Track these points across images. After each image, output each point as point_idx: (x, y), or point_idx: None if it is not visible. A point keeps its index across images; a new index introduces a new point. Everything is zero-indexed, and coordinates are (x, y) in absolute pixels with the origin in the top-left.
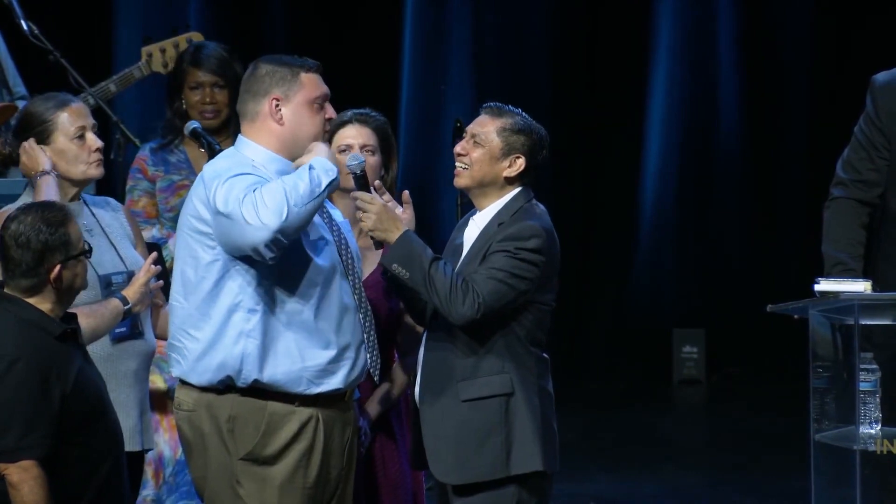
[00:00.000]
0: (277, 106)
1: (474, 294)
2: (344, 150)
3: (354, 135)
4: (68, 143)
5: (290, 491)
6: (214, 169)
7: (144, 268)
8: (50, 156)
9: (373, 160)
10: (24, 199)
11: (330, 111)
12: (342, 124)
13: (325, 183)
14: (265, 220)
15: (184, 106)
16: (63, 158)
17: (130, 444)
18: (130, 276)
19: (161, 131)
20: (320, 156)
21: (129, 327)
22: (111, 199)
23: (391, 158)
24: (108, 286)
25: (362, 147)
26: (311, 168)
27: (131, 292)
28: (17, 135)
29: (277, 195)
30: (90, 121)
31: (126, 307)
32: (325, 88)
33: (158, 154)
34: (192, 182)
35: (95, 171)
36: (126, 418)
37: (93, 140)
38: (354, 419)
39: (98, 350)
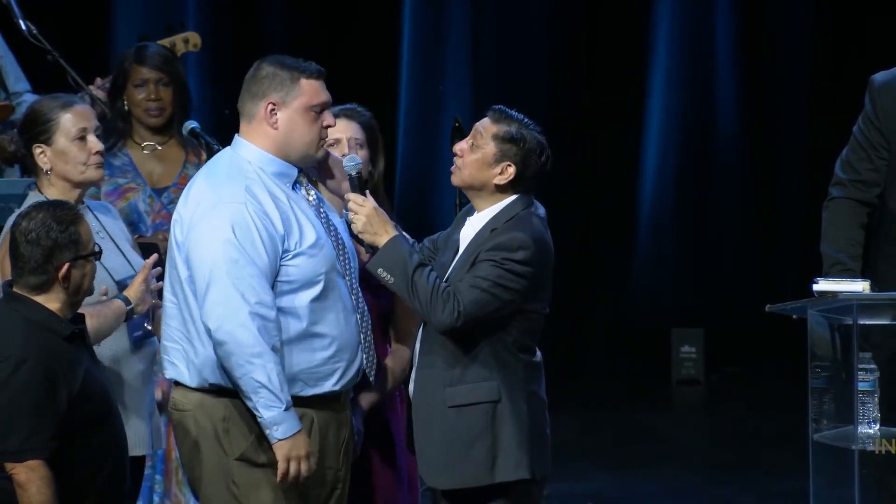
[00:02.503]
0: (273, 110)
1: (455, 302)
2: (332, 145)
3: (342, 129)
4: (69, 144)
5: (285, 492)
6: (210, 187)
7: (144, 267)
8: (50, 156)
9: (361, 154)
10: (31, 199)
11: (328, 119)
12: None
13: (258, 397)
14: (212, 324)
15: (126, 106)
16: (62, 159)
17: (142, 448)
18: None
19: (103, 134)
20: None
21: (143, 329)
22: (107, 204)
23: (377, 154)
24: (123, 289)
25: (349, 140)
26: (262, 388)
27: (132, 292)
28: (21, 132)
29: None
30: (93, 123)
31: (129, 307)
32: (325, 96)
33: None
34: (138, 185)
35: (94, 173)
36: (138, 422)
37: (94, 142)
38: (350, 419)
39: (105, 353)
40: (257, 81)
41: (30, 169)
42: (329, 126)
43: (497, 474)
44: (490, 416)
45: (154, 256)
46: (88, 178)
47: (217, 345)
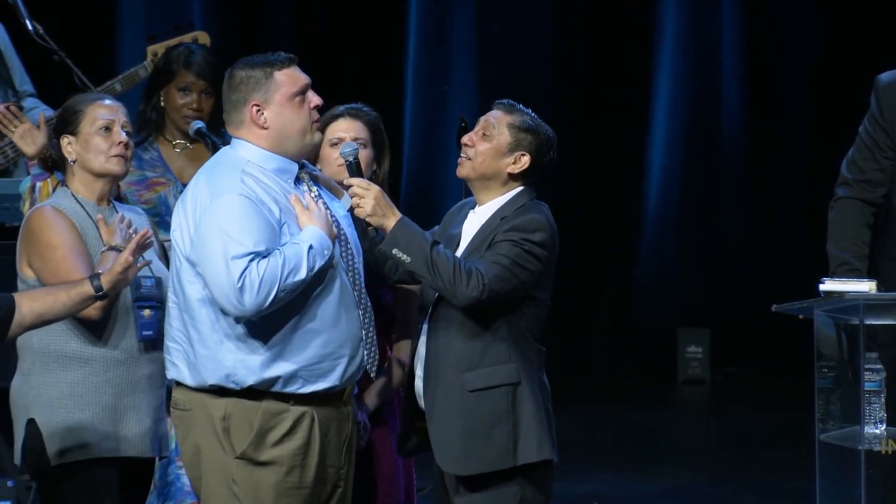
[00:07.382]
0: (259, 111)
1: (479, 276)
2: (336, 143)
3: (346, 128)
4: (93, 133)
5: (286, 490)
6: (211, 184)
7: (125, 251)
8: (76, 147)
9: (365, 153)
10: (59, 194)
11: (314, 99)
12: (334, 118)
13: (318, 266)
14: (248, 305)
15: (161, 103)
16: (86, 149)
17: (142, 450)
18: (158, 282)
19: (135, 127)
20: (319, 228)
21: (155, 331)
22: (137, 208)
23: (382, 153)
24: (138, 287)
25: (352, 140)
26: (310, 249)
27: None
28: (55, 129)
29: (270, 281)
30: (122, 118)
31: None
32: (302, 80)
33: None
34: (168, 180)
35: (115, 166)
36: (139, 423)
37: (119, 134)
38: (353, 416)
39: (117, 354)
40: (235, 89)
41: (62, 168)
42: (317, 106)
43: (519, 456)
44: (511, 398)
45: (131, 246)
46: (109, 169)
47: (271, 306)
